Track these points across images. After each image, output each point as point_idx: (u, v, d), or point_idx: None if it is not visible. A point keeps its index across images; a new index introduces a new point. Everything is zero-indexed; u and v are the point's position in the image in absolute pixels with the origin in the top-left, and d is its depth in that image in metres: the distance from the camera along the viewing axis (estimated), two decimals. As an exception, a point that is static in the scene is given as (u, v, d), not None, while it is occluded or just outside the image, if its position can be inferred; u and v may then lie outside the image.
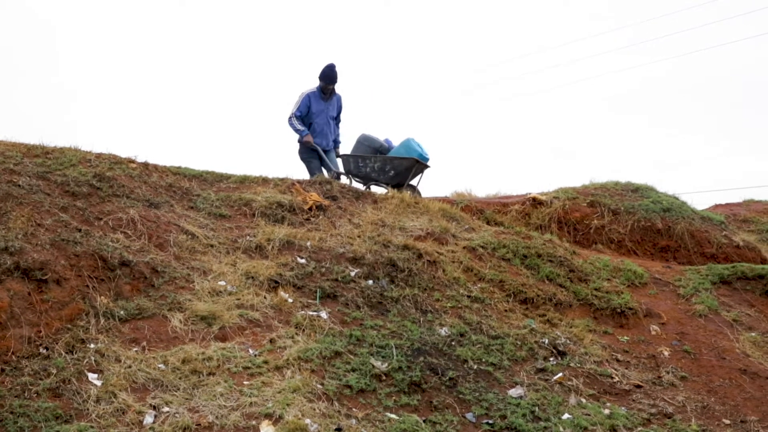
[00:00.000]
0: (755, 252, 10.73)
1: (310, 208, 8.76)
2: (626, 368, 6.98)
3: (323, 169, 11.00)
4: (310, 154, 11.04)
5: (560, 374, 6.58)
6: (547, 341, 7.09)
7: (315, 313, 6.71)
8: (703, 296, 8.52)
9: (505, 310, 7.57)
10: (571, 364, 6.78)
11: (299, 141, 11.02)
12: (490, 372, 6.38)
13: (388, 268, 7.63)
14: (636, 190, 11.36)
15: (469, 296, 7.60)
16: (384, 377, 5.94)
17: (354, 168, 10.69)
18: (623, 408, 6.28)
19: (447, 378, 6.08)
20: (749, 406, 6.62)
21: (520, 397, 6.08)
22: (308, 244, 7.90)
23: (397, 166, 10.46)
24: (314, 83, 11.03)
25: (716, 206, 13.72)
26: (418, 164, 10.53)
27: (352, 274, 7.44)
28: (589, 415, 6.04)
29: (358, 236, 8.27)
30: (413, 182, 10.69)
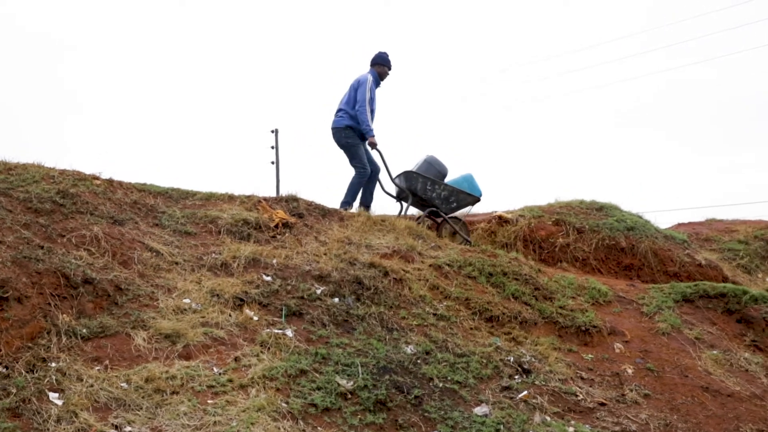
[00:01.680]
0: (717, 270, 10.88)
1: (276, 226, 8.74)
2: (590, 386, 7.02)
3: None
4: (358, 140, 10.33)
5: (525, 392, 6.60)
6: (512, 359, 7.12)
7: (280, 331, 6.67)
8: (666, 314, 8.61)
9: (471, 328, 7.58)
10: (536, 382, 6.81)
11: (351, 139, 10.22)
12: (455, 390, 6.38)
13: (354, 286, 7.62)
14: (600, 208, 11.48)
15: (434, 314, 7.61)
16: (349, 395, 5.92)
17: (421, 189, 10.18)
18: (587, 426, 6.31)
19: (412, 396, 6.07)
20: (711, 424, 6.69)
21: (486, 416, 6.09)
22: (274, 261, 7.87)
23: (462, 201, 10.34)
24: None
25: (679, 225, 13.93)
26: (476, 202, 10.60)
27: (318, 291, 7.42)
28: (553, 433, 6.06)
29: (325, 254, 8.25)
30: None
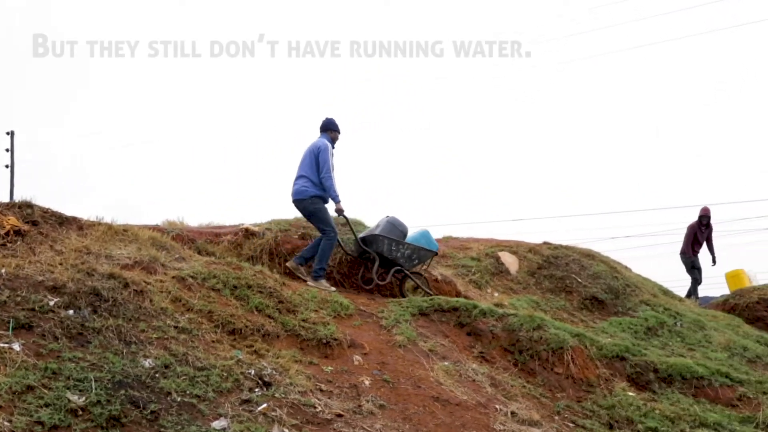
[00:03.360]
0: (451, 285, 11.51)
1: (7, 233, 8.20)
2: (329, 398, 7.17)
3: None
4: (324, 205, 10.52)
5: (265, 405, 6.62)
6: (253, 372, 7.12)
7: (6, 345, 6.25)
8: (403, 327, 8.98)
9: (213, 341, 7.51)
10: (276, 395, 6.85)
11: (319, 205, 10.38)
12: (194, 404, 6.28)
13: (92, 298, 7.30)
14: (345, 224, 11.78)
15: (176, 327, 7.46)
16: (81, 412, 5.65)
17: (387, 250, 10.66)
18: (324, 437, 6.44)
19: (149, 411, 5.90)
20: (440, 432, 7.05)
21: (224, 429, 6.04)
22: (3, 271, 7.38)
23: (422, 257, 10.92)
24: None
25: (419, 242, 14.55)
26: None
27: (51, 303, 7.04)
28: (291, 444, 6.13)
29: (60, 264, 7.85)
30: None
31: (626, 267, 15.48)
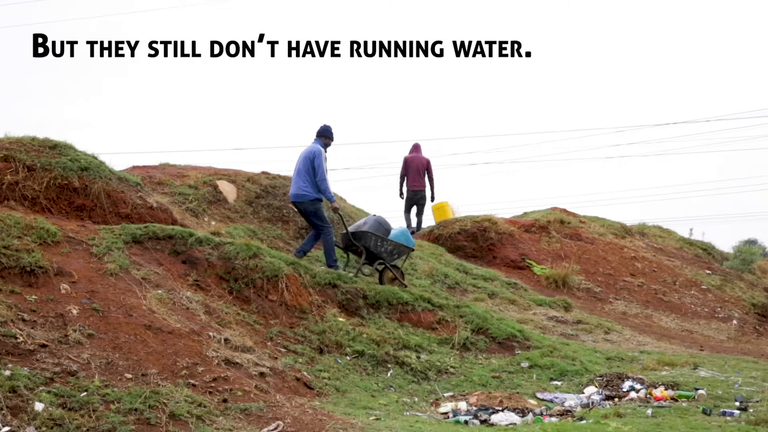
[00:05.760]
0: (167, 213, 11.28)
1: None
2: (32, 328, 6.83)
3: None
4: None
5: (-41, 337, 6.20)
6: (-55, 302, 6.62)
7: None
8: (115, 255, 8.72)
9: None
10: (-28, 326, 6.43)
11: (318, 205, 11.32)
12: None
13: None
14: (54, 147, 11.10)
15: None
16: None
17: (373, 245, 11.49)
18: (26, 368, 6.15)
19: None
20: (151, 360, 6.98)
21: None
22: None
23: (401, 252, 11.86)
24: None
25: (134, 168, 14.08)
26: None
27: None
28: (-12, 378, 5.80)
29: None
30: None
31: (342, 198, 15.98)
